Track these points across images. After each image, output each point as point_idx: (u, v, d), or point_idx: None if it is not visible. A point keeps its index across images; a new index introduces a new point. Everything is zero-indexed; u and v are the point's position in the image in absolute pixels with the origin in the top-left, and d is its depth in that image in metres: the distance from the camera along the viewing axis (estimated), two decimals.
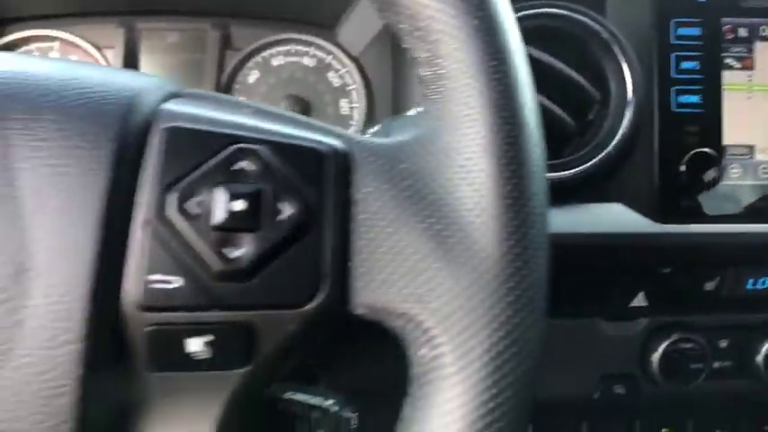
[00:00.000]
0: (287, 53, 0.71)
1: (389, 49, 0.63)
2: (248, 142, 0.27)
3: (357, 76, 0.70)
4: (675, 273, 0.56)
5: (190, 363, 0.26)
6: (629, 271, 0.56)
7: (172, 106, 0.29)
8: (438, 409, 0.26)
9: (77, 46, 0.69)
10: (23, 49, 0.68)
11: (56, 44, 0.69)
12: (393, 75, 0.63)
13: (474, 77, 0.27)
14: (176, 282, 0.26)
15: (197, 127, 0.28)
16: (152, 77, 0.30)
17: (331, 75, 0.71)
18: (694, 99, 0.53)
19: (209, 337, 0.26)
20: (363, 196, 0.28)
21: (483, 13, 0.28)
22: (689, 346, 0.58)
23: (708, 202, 0.53)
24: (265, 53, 0.71)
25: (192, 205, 0.26)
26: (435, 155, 0.28)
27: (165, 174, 0.27)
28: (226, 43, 0.70)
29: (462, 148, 0.27)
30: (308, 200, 0.27)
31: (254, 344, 0.27)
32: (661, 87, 0.53)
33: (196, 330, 0.26)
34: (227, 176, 0.27)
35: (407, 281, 0.27)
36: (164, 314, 0.26)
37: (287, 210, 0.27)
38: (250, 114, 0.30)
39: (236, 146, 0.27)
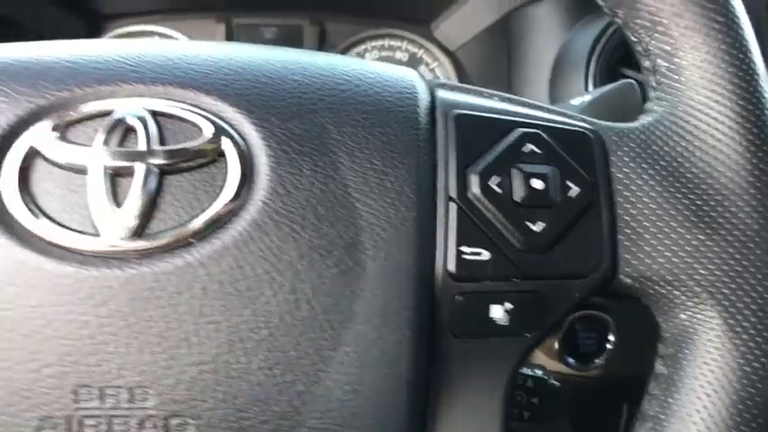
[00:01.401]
0: (381, 48, 0.73)
1: (499, 45, 0.66)
2: (528, 127, 0.30)
3: (451, 70, 0.72)
4: None
5: (491, 329, 0.29)
6: None
7: (443, 95, 0.31)
8: (706, 366, 0.29)
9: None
10: None
11: (155, 40, 0.70)
12: (508, 70, 0.65)
13: (721, 68, 0.30)
14: (485, 254, 0.28)
15: (481, 114, 0.30)
16: (407, 69, 0.33)
17: (422, 68, 0.74)
18: None
19: (509, 305, 0.29)
20: (623, 176, 0.31)
21: (724, 10, 0.31)
22: None
23: None
24: (359, 48, 0.73)
25: (493, 184, 0.29)
26: (684, 137, 0.31)
27: (462, 155, 0.29)
28: (322, 39, 0.72)
29: (712, 130, 0.30)
30: (589, 178, 0.30)
31: (544, 311, 0.29)
32: None
33: (498, 298, 0.29)
34: (520, 158, 0.29)
35: (674, 251, 0.30)
36: (473, 284, 0.28)
37: (575, 187, 0.29)
38: (500, 101, 0.32)
39: (521, 130, 0.30)
